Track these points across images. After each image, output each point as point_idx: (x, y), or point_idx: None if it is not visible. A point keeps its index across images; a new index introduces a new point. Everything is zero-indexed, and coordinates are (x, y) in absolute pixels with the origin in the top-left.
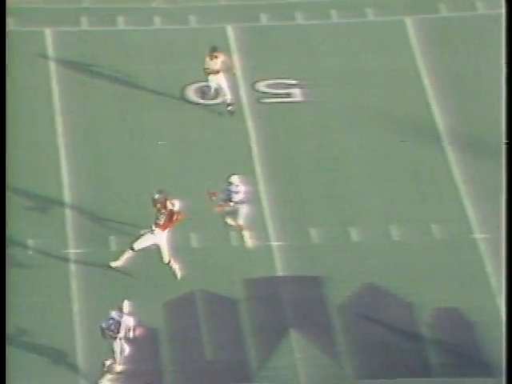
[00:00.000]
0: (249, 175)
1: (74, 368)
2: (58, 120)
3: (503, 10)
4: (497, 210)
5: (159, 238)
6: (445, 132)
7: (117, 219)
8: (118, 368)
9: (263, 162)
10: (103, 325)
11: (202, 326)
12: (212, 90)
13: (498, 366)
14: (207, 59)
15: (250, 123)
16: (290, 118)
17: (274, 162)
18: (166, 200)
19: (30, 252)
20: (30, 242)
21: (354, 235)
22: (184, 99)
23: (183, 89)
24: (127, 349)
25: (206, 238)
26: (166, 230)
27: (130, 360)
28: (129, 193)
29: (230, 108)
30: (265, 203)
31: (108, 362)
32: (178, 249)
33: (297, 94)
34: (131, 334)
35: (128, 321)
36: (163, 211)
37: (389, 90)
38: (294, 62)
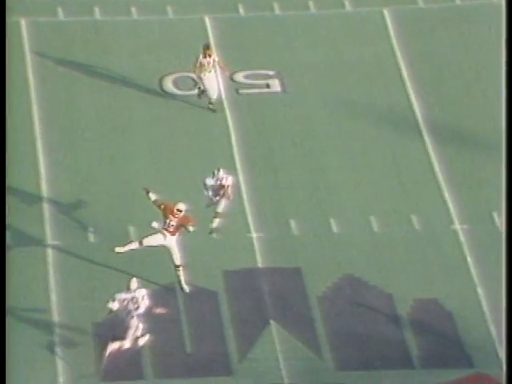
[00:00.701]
0: (228, 166)
1: (52, 362)
2: (35, 111)
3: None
4: (477, 201)
5: (169, 241)
6: (425, 123)
7: (95, 212)
8: (128, 344)
9: (243, 152)
10: (115, 307)
11: (182, 318)
12: (206, 90)
13: (478, 357)
14: (200, 57)
15: (229, 114)
16: (269, 109)
17: (253, 153)
18: (173, 205)
19: (8, 243)
20: (8, 235)
21: (335, 227)
22: (162, 90)
23: (161, 80)
24: (141, 326)
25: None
26: (177, 234)
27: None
28: (107, 185)
29: (211, 106)
30: (245, 194)
31: (116, 345)
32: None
33: (276, 85)
34: (147, 308)
35: (143, 295)
36: (173, 218)
37: (368, 81)
38: (272, 52)
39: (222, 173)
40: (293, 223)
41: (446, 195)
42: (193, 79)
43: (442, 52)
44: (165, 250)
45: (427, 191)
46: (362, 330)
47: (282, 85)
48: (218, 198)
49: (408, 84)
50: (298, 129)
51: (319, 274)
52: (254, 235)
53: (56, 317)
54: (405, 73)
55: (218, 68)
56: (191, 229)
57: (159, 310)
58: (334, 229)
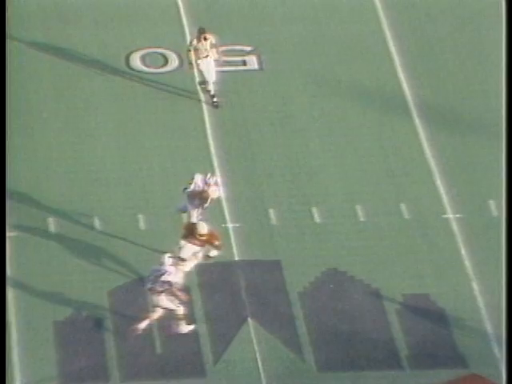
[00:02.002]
0: (201, 151)
1: (9, 364)
2: None
3: None
4: (471, 188)
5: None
6: (414, 103)
7: (56, 200)
8: (181, 311)
9: (217, 135)
10: (149, 285)
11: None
12: (208, 81)
13: (473, 357)
14: (194, 41)
15: (201, 92)
16: (246, 88)
17: (228, 136)
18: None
19: None
20: None
21: (317, 216)
22: (129, 67)
23: (128, 56)
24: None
25: (155, 219)
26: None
27: (70, 354)
28: (69, 171)
29: (214, 99)
30: (219, 180)
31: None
32: (124, 231)
33: (253, 62)
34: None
35: (171, 271)
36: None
37: (353, 57)
38: (249, 26)
39: (211, 179)
40: (272, 213)
41: (438, 182)
42: (163, 55)
43: (434, 25)
44: (132, 244)
45: (417, 177)
46: (347, 329)
47: (260, 62)
48: (193, 206)
49: (396, 61)
50: (276, 110)
51: (300, 268)
52: (230, 226)
53: (12, 317)
54: (393, 48)
55: (214, 50)
56: (214, 253)
57: (181, 295)
58: (317, 218)
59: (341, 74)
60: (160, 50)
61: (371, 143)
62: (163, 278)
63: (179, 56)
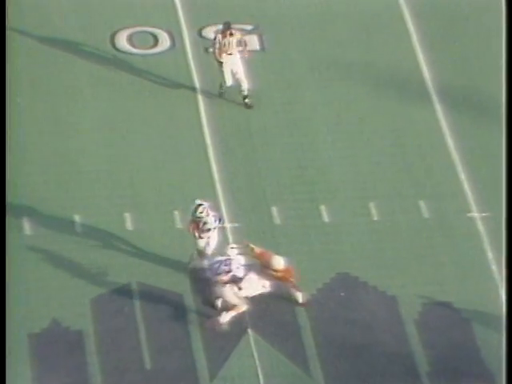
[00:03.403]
0: (196, 141)
1: None
2: None
3: None
4: (499, 184)
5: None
6: (435, 88)
7: (33, 197)
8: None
9: (213, 124)
10: (213, 275)
11: (140, 327)
12: (227, 82)
13: (501, 373)
14: (219, 37)
15: (196, 76)
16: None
17: (226, 126)
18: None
19: None
20: None
21: (326, 215)
22: (115, 48)
23: (114, 36)
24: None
25: (144, 218)
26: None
27: (47, 370)
28: (46, 164)
29: (247, 101)
30: (216, 176)
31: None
32: (109, 232)
33: (253, 42)
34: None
35: (240, 263)
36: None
37: (366, 36)
38: (249, 3)
39: (203, 212)
40: (275, 211)
41: (462, 176)
42: (152, 35)
43: (456, 1)
44: (118, 246)
45: (438, 171)
46: (359, 341)
47: (261, 42)
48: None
49: (415, 40)
50: (280, 96)
51: (307, 273)
52: (229, 226)
53: None
54: (411, 26)
55: (241, 47)
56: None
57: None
58: (325, 217)
59: (352, 55)
60: (149, 29)
61: (386, 133)
62: (227, 269)
63: (171, 35)
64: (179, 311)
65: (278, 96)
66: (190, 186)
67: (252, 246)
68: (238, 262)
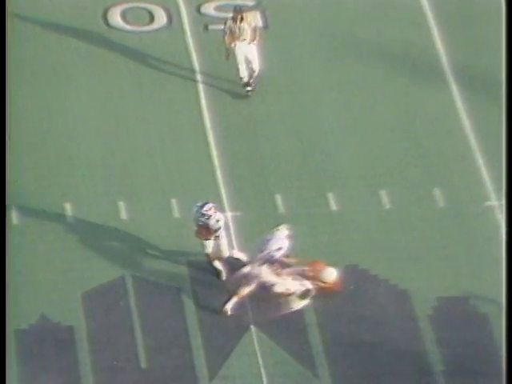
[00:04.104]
0: (195, 126)
1: None
2: None
3: None
4: None
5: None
6: (451, 68)
7: (21, 184)
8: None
9: (213, 108)
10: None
11: (135, 324)
12: (241, 73)
13: None
14: (229, 23)
15: (195, 56)
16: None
17: (227, 109)
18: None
19: None
20: None
21: (333, 203)
22: (108, 25)
23: (106, 12)
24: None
25: (140, 207)
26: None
27: (36, 369)
28: (35, 149)
29: (248, 88)
30: (216, 162)
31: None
32: (102, 221)
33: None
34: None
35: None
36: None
37: (377, 13)
38: None
39: (210, 210)
40: (279, 199)
41: (479, 162)
42: (147, 11)
43: None
44: (112, 237)
45: (454, 157)
46: (369, 338)
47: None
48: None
49: (430, 17)
50: (284, 77)
51: None
52: (230, 214)
53: None
54: (425, 2)
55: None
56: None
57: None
58: (333, 206)
59: (362, 33)
60: (144, 5)
61: (398, 116)
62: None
63: (167, 12)
64: (177, 306)
65: (282, 78)
66: (189, 172)
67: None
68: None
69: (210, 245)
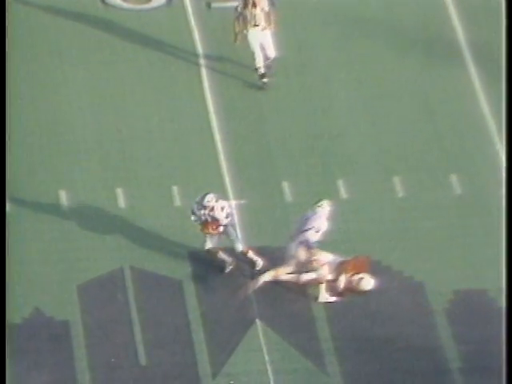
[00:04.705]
0: (196, 109)
1: None
2: None
3: None
4: None
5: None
6: (469, 46)
7: (13, 171)
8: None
9: (217, 89)
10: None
11: (134, 318)
12: (258, 61)
13: None
14: (240, 7)
15: (197, 35)
16: None
17: (231, 90)
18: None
19: None
20: None
21: (344, 191)
22: (103, 2)
23: None
24: None
25: (140, 195)
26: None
27: (29, 366)
28: (28, 133)
29: (264, 80)
30: (220, 146)
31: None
32: (99, 209)
33: None
34: None
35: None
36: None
37: None
38: None
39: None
40: (286, 186)
41: (499, 146)
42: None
43: None
44: (109, 226)
45: (472, 141)
46: (382, 334)
47: None
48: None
49: None
50: (291, 55)
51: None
52: (234, 203)
53: None
54: None
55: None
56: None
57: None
58: (343, 194)
59: (374, 8)
60: None
61: (413, 97)
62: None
63: None
64: (178, 300)
65: (289, 57)
66: (191, 158)
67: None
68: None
69: (213, 238)
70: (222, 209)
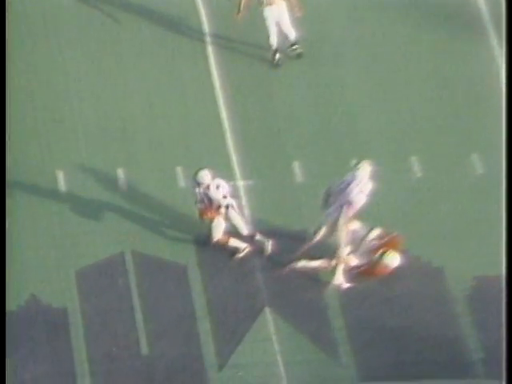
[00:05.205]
0: (201, 86)
1: None
2: None
3: None
4: None
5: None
6: (491, 18)
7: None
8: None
9: (223, 64)
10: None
11: (136, 306)
12: (272, 42)
13: None
14: None
15: (202, 7)
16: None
17: (238, 67)
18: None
19: None
20: None
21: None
22: None
23: None
24: None
25: (141, 176)
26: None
27: (25, 357)
28: (23, 112)
29: (295, 47)
30: (227, 124)
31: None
32: (98, 191)
33: None
34: None
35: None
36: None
37: None
38: None
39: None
40: (297, 166)
41: None
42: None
43: None
44: (109, 208)
45: (494, 119)
46: (399, 323)
47: None
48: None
49: None
50: (302, 31)
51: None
52: (241, 183)
53: None
54: None
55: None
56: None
57: None
58: None
59: None
60: None
61: (431, 73)
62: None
63: None
64: (183, 286)
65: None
66: (195, 137)
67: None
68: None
69: (220, 227)
70: (218, 187)
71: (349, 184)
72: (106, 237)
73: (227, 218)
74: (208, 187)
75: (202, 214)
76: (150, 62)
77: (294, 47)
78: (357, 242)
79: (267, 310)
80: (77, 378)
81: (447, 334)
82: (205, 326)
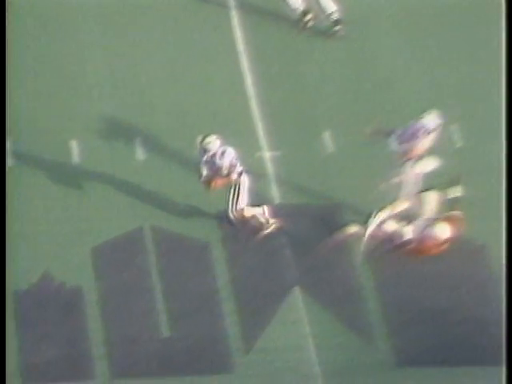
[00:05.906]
0: (226, 56)
1: None
2: None
3: None
4: None
5: None
6: None
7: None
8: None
9: (249, 33)
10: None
11: (155, 285)
12: (297, 6)
13: None
14: None
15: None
16: None
17: (262, 26)
18: None
19: None
20: None
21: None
22: None
23: None
24: None
25: (160, 146)
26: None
27: (37, 339)
28: (35, 80)
29: (337, 27)
30: (251, 91)
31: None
32: (114, 163)
33: None
34: None
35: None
36: None
37: None
38: None
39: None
40: (327, 136)
41: None
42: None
43: None
44: (126, 181)
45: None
46: (437, 303)
47: None
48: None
49: None
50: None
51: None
52: (268, 154)
53: None
54: None
55: None
56: None
57: None
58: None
59: None
60: None
61: (478, 30)
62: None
63: None
64: (205, 264)
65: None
66: (217, 104)
67: None
68: None
69: (240, 201)
70: (223, 153)
71: (413, 134)
72: (123, 211)
73: (240, 188)
74: (215, 155)
75: (207, 183)
76: (169, 27)
77: (336, 27)
78: (416, 214)
79: (297, 289)
80: (93, 362)
81: (490, 316)
82: (229, 307)
